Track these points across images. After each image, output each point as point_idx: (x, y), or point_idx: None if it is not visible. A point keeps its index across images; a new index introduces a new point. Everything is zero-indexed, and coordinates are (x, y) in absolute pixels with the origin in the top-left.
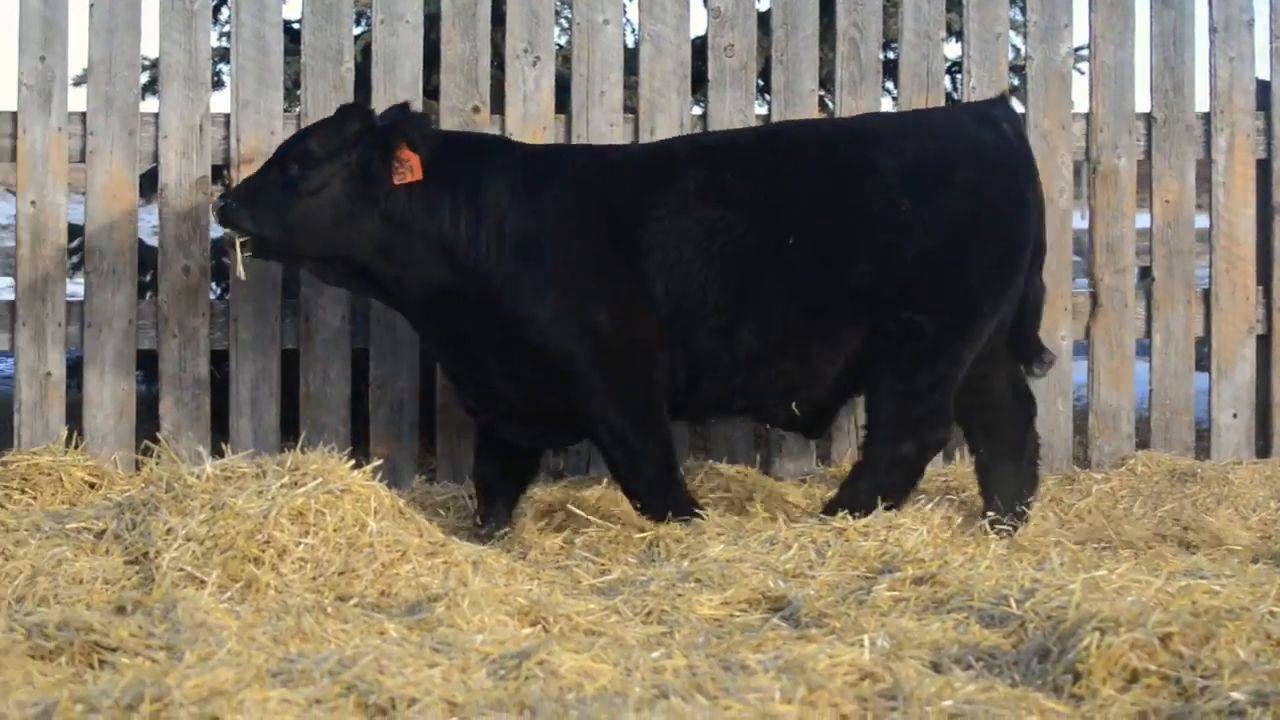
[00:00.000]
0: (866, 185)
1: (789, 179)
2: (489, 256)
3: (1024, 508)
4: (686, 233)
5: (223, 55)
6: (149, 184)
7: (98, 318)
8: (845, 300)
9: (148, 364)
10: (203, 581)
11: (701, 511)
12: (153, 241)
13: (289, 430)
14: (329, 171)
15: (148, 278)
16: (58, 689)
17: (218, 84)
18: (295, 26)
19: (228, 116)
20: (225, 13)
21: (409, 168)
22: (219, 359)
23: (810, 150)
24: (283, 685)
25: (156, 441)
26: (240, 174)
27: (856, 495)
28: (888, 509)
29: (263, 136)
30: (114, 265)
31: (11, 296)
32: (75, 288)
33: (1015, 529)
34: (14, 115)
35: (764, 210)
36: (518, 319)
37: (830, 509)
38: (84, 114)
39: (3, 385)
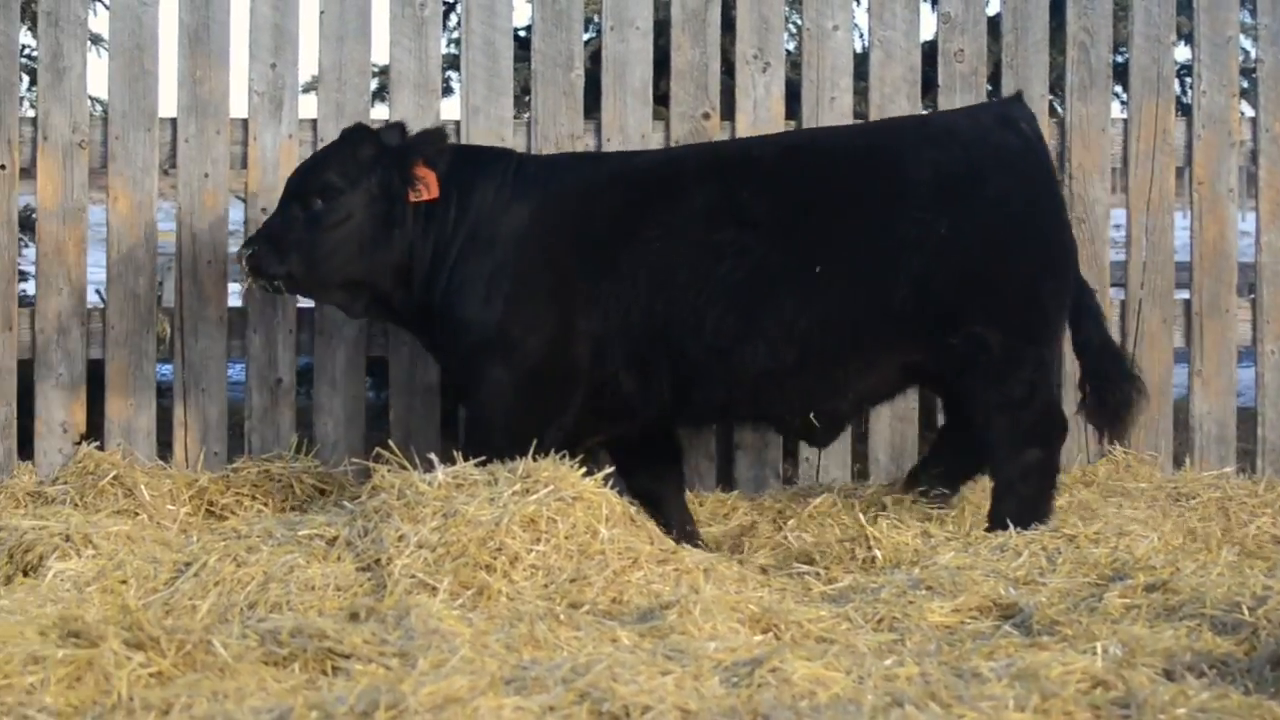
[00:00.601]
0: (897, 205)
1: (810, 198)
2: (455, 256)
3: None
4: (683, 252)
5: (452, 62)
6: None
7: (329, 325)
8: (882, 322)
9: (378, 371)
10: (434, 588)
11: None
12: None
13: None
14: (353, 199)
15: None
16: (292, 695)
17: (447, 91)
18: (522, 34)
19: (458, 123)
20: (454, 19)
21: (426, 185)
22: (375, 365)
23: (835, 166)
24: (516, 693)
25: (387, 448)
26: None
27: (1003, 518)
28: (1038, 519)
29: (493, 143)
30: None
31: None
32: None
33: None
34: (245, 122)
35: (781, 231)
36: (458, 318)
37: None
38: (314, 121)
39: (234, 392)
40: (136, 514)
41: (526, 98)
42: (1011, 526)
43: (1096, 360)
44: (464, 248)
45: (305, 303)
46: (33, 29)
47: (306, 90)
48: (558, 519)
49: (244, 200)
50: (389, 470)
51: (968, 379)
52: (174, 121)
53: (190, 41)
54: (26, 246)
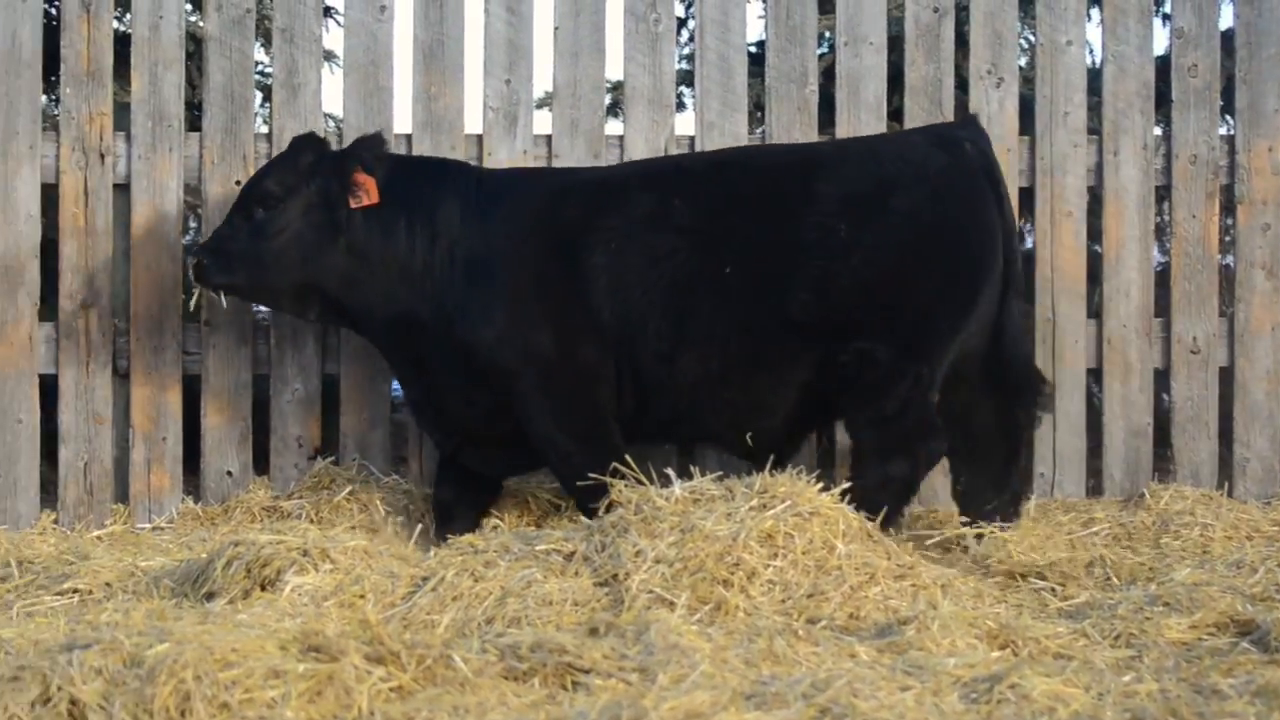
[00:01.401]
0: (804, 214)
1: (732, 208)
2: (442, 280)
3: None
4: (632, 259)
5: (684, 78)
6: None
7: None
8: (787, 331)
9: None
10: (672, 603)
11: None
12: None
13: None
14: (291, 208)
15: None
16: (533, 710)
17: (680, 106)
18: (753, 50)
19: (691, 139)
20: (686, 35)
21: (365, 191)
22: None
23: (756, 179)
24: (757, 708)
25: (624, 463)
26: None
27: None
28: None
29: None
30: None
31: None
32: None
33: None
34: (480, 138)
35: (706, 239)
36: (467, 342)
37: None
38: (549, 137)
39: None
40: (373, 528)
41: (759, 113)
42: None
43: (1005, 377)
44: (452, 268)
45: None
46: (267, 46)
47: (540, 106)
48: (795, 534)
49: None
50: (626, 485)
51: (848, 394)
52: (409, 137)
53: (425, 57)
54: None
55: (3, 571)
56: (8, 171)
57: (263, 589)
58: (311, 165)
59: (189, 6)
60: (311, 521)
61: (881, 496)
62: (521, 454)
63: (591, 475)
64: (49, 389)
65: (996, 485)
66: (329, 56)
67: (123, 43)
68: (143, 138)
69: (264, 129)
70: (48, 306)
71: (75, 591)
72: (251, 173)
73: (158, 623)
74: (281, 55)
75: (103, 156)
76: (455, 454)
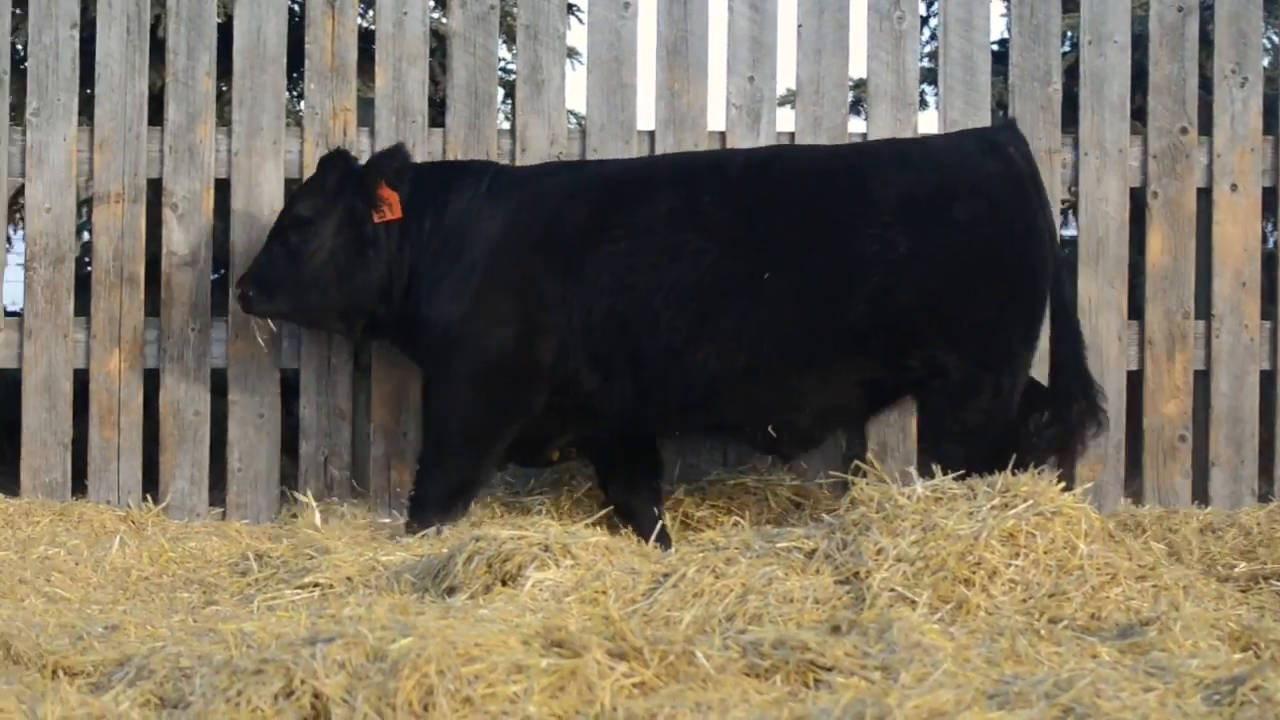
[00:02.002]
0: (861, 222)
1: (776, 209)
2: (427, 263)
3: None
4: (642, 254)
5: (926, 76)
6: None
7: None
8: (838, 336)
9: None
10: (913, 602)
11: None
12: None
13: None
14: (323, 229)
15: None
16: (776, 707)
17: (921, 104)
18: (994, 48)
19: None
20: (927, 33)
21: (389, 205)
22: None
23: (804, 180)
24: (999, 708)
25: (865, 461)
26: None
27: None
28: None
29: None
30: None
31: None
32: None
33: None
34: (723, 134)
35: (739, 239)
36: (429, 319)
37: None
38: (791, 134)
39: None
40: (613, 524)
41: (1000, 112)
42: None
43: (1066, 384)
44: (435, 254)
45: None
46: (510, 43)
47: (783, 103)
48: (1036, 534)
49: None
50: (867, 483)
51: (926, 401)
52: (652, 134)
53: (668, 54)
54: None
55: (243, 565)
56: (252, 166)
57: (504, 584)
58: (338, 184)
59: (432, 3)
60: (551, 517)
61: None
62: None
63: (441, 478)
64: (290, 384)
65: None
66: (572, 53)
67: (366, 39)
68: (386, 133)
69: (507, 125)
70: None
71: (316, 585)
72: None
73: (400, 617)
74: (525, 51)
75: None
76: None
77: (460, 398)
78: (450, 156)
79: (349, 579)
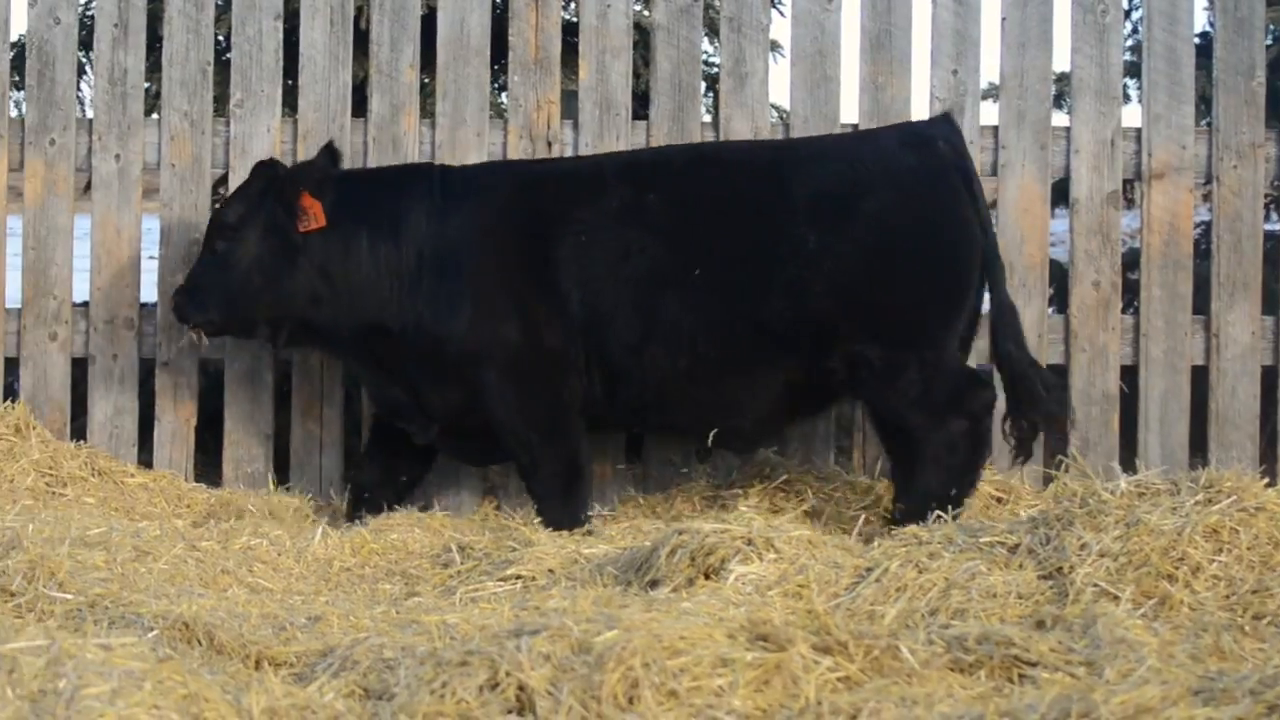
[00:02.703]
0: (776, 217)
1: (706, 205)
2: (411, 283)
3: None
4: (601, 251)
5: (1129, 69)
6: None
7: None
8: (761, 334)
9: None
10: (1116, 598)
11: (591, 527)
12: (1060, 255)
13: (1196, 447)
14: (249, 237)
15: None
16: (981, 703)
17: (1124, 98)
18: (1196, 41)
19: (1138, 131)
20: (1129, 26)
21: (312, 215)
22: (1126, 374)
23: (732, 177)
24: (1205, 704)
25: (1068, 456)
26: (1150, 190)
27: (923, 492)
28: (963, 491)
29: (1173, 151)
30: (1024, 279)
31: None
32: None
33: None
34: None
35: (676, 237)
36: (436, 337)
37: (906, 517)
38: (995, 128)
39: None
40: (815, 518)
41: (1202, 105)
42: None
43: (1014, 378)
44: (420, 269)
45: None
46: (713, 35)
47: (986, 97)
48: (1240, 529)
49: None
50: (1070, 478)
51: (863, 393)
52: (855, 127)
53: (872, 47)
54: None
55: (445, 557)
56: (456, 159)
57: (706, 577)
58: (262, 192)
59: None
60: (754, 510)
61: (951, 458)
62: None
63: (547, 474)
64: None
65: None
66: (774, 46)
67: (569, 31)
68: (590, 126)
69: (707, 118)
70: None
71: (518, 578)
72: None
73: (605, 610)
74: (729, 44)
75: (550, 144)
76: (435, 443)
77: (509, 400)
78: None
79: (551, 571)
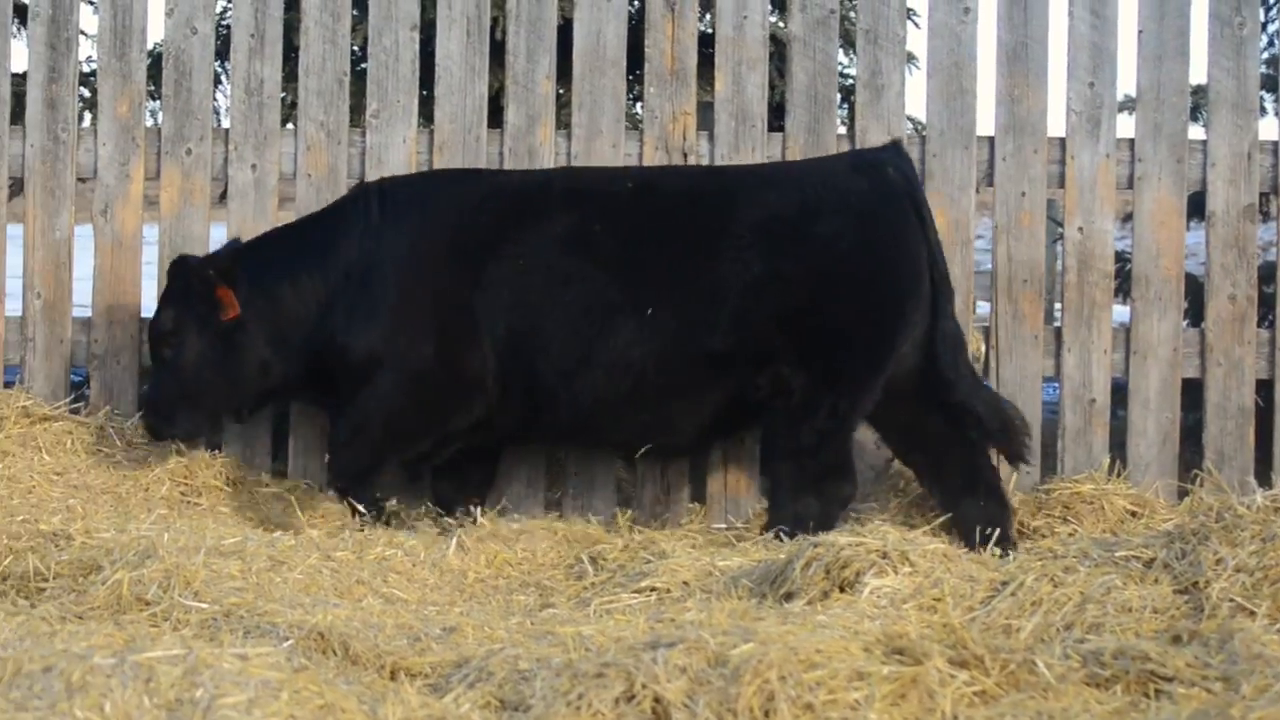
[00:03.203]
0: (723, 243)
1: (653, 235)
2: (340, 301)
3: (1003, 534)
4: (538, 276)
5: (1265, 82)
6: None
7: (1142, 345)
8: (704, 359)
9: (1191, 392)
10: (1253, 612)
11: (366, 515)
12: (1195, 269)
13: None
14: (187, 337)
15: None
16: (1117, 717)
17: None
18: None
19: (1275, 144)
20: (1264, 39)
21: (227, 304)
22: (1261, 387)
23: (678, 205)
24: None
25: (1203, 470)
26: None
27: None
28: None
29: None
30: (1160, 292)
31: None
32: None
33: (1008, 555)
34: (1062, 141)
35: (623, 267)
36: (348, 346)
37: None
38: (1131, 140)
39: (1047, 413)
40: (950, 531)
41: None
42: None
43: (948, 397)
44: (340, 292)
45: (1121, 319)
46: (849, 47)
47: (1122, 109)
48: None
49: (1059, 223)
50: (1206, 493)
51: (766, 417)
52: (991, 140)
53: (1008, 59)
54: None
55: (579, 569)
56: None
57: (841, 590)
58: (184, 290)
59: (770, 7)
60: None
61: (799, 526)
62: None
63: (350, 472)
64: None
65: (968, 488)
66: (910, 58)
67: (705, 42)
68: (725, 137)
69: (841, 130)
70: None
71: (653, 590)
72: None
73: (741, 622)
74: (865, 56)
75: (685, 155)
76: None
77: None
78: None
79: (685, 583)
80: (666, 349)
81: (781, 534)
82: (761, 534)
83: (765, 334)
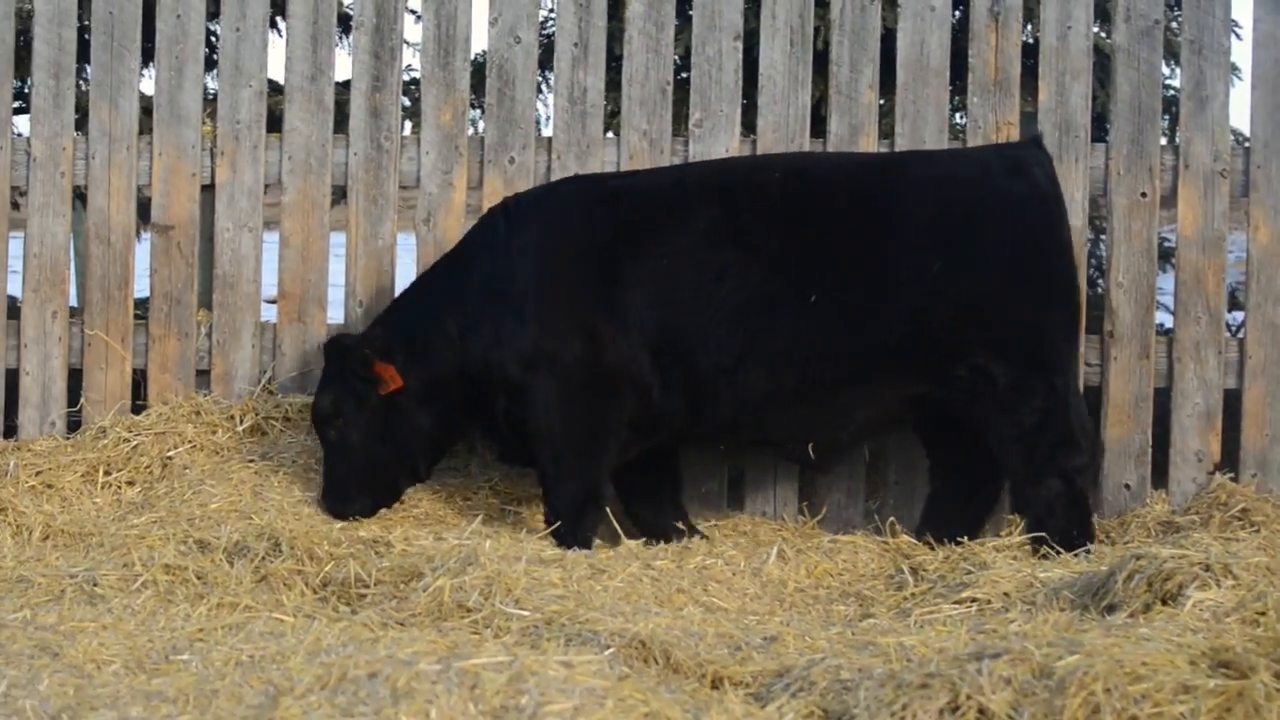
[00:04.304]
0: (895, 242)
1: (812, 226)
2: (483, 321)
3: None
4: (688, 272)
5: None
6: None
7: None
8: (877, 354)
9: None
10: None
11: (593, 548)
12: None
13: None
14: (350, 416)
15: None
16: None
17: None
18: None
19: None
20: None
21: (387, 379)
22: None
23: (838, 196)
24: None
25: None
26: None
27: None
28: (1083, 547)
29: None
30: None
31: None
32: None
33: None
34: None
35: (781, 259)
36: (497, 360)
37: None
38: None
39: None
40: (1272, 545)
41: None
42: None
43: None
44: (482, 311)
45: None
46: (1171, 58)
47: None
48: None
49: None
50: None
51: (978, 410)
52: None
53: None
54: (1164, 274)
55: (898, 579)
56: None
57: (1163, 603)
58: (340, 369)
59: (1093, 17)
60: (1210, 537)
61: (1052, 522)
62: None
63: (568, 492)
64: None
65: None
66: (1233, 69)
67: (1027, 53)
68: (1048, 147)
69: (1163, 140)
70: None
71: (973, 600)
72: (1156, 185)
73: (1064, 634)
74: (1189, 67)
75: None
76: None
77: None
78: (1113, 172)
79: (1006, 595)
80: (832, 342)
81: (1045, 522)
82: (1028, 530)
83: (953, 328)
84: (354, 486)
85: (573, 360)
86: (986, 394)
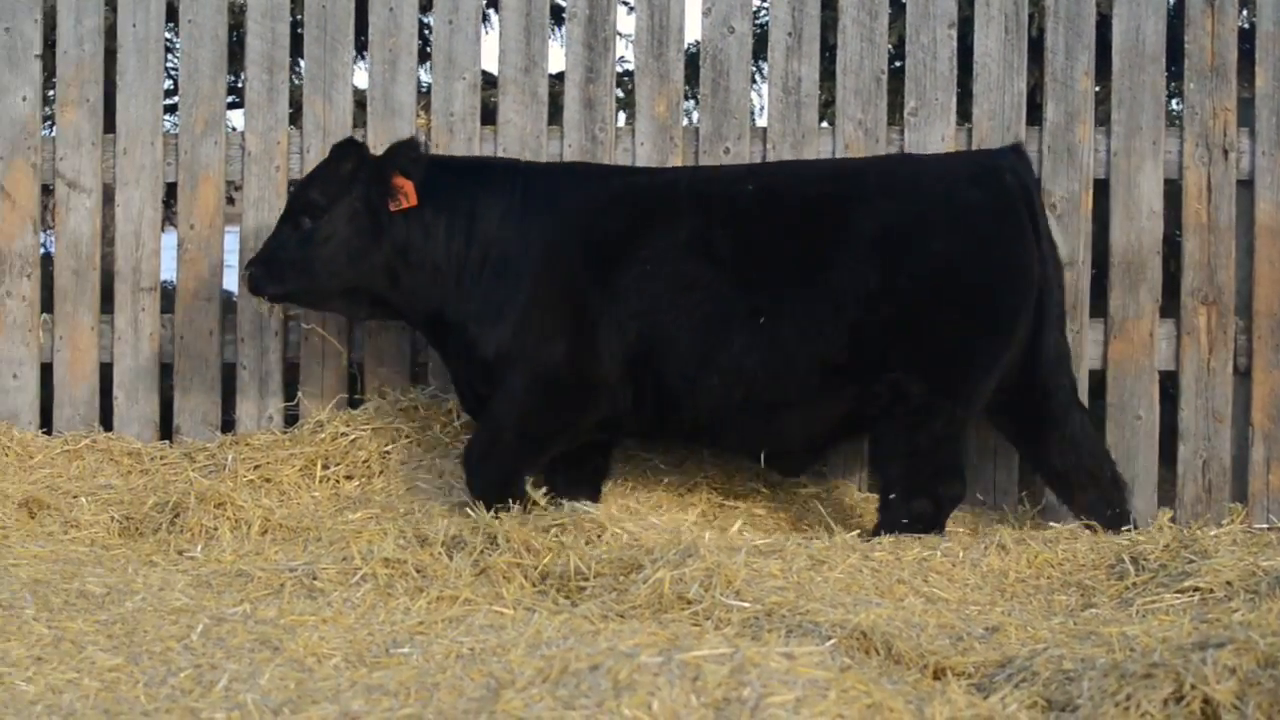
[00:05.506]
0: (841, 254)
1: (770, 240)
2: (470, 278)
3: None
4: (665, 280)
5: None
6: None
7: None
8: (820, 368)
9: None
10: None
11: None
12: None
13: None
14: (336, 215)
15: None
16: None
17: None
18: None
19: None
20: None
21: (404, 194)
22: None
23: (794, 210)
24: None
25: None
26: None
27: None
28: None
29: None
30: None
31: None
32: None
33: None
34: None
35: (740, 272)
36: (481, 339)
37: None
38: None
39: None
40: None
41: None
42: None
43: (1042, 406)
44: (478, 270)
45: None
46: None
47: None
48: None
49: None
50: None
51: (882, 423)
52: None
53: None
54: None
55: (1119, 568)
56: (1131, 167)
57: None
58: (352, 172)
59: None
60: None
61: (911, 529)
62: None
63: (496, 472)
64: (1167, 386)
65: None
66: None
67: (1244, 38)
68: (1266, 134)
69: None
70: (1169, 303)
71: (1196, 590)
72: None
73: None
74: None
75: (1226, 153)
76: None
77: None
78: None
79: (1229, 584)
80: (780, 359)
81: (896, 529)
82: (874, 535)
83: (884, 344)
84: (292, 274)
85: (550, 361)
86: (896, 411)
